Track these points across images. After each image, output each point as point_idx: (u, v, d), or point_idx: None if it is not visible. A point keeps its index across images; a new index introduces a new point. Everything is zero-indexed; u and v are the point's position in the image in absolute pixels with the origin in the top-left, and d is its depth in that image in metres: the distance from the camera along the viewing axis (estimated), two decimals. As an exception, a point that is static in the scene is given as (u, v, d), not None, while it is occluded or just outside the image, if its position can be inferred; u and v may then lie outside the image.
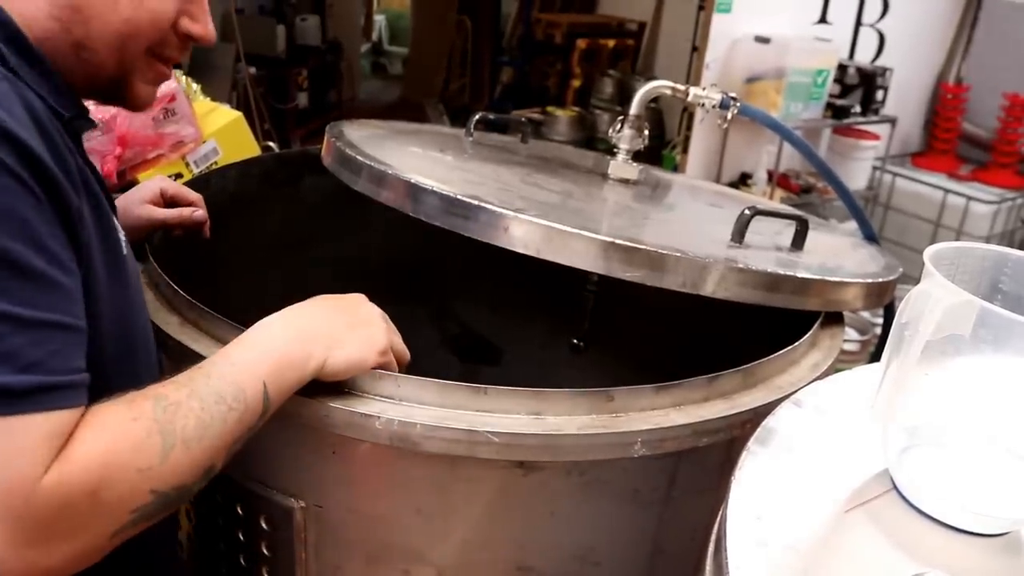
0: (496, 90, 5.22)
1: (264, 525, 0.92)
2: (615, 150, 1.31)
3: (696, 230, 1.21)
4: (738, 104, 1.25)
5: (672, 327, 1.47)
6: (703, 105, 1.26)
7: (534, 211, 0.94)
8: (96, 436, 0.62)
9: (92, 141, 1.57)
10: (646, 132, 1.30)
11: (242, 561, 0.97)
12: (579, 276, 1.04)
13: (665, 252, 0.90)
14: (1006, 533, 0.65)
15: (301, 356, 0.77)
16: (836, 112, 3.27)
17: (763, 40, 3.05)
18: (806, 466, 0.71)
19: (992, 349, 0.59)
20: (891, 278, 1.10)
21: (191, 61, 3.76)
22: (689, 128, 3.22)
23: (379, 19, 8.08)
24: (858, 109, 3.31)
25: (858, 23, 3.48)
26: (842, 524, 0.65)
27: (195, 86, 1.86)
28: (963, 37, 3.79)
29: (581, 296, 1.34)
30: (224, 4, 4.11)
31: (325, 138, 1.20)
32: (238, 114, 1.82)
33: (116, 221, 0.79)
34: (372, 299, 0.87)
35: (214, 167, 1.67)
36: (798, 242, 1.11)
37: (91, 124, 0.80)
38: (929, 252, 0.65)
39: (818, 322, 1.03)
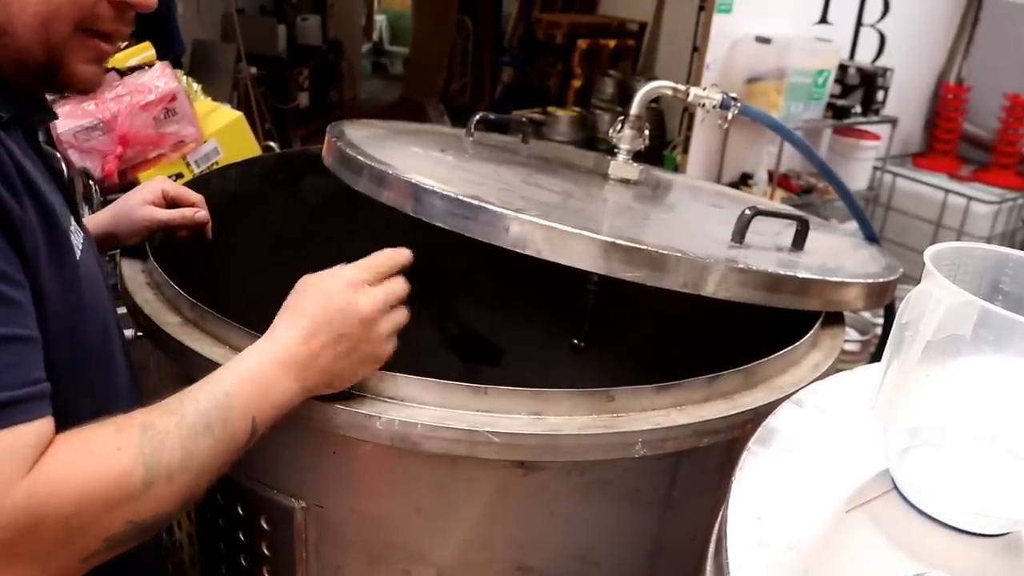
0: (497, 90, 5.22)
1: (265, 525, 0.92)
2: (616, 150, 1.31)
3: (697, 230, 1.21)
4: (739, 104, 1.25)
5: (672, 327, 1.47)
6: (704, 105, 1.26)
7: (535, 211, 0.94)
8: (77, 462, 0.60)
9: (93, 141, 1.57)
10: (647, 132, 1.30)
11: (243, 561, 0.97)
12: (579, 276, 1.04)
13: (666, 252, 0.90)
14: (1006, 533, 0.65)
15: (296, 391, 0.75)
16: (837, 112, 3.27)
17: (764, 40, 3.05)
18: (807, 466, 0.71)
19: (993, 350, 0.59)
20: (892, 278, 1.09)
21: (192, 61, 3.77)
22: (690, 128, 3.22)
23: (380, 19, 8.09)
24: (859, 109, 3.31)
25: (859, 23, 3.47)
26: (843, 524, 0.65)
27: (196, 86, 1.86)
28: (964, 37, 3.79)
29: (581, 296, 1.34)
30: (225, 4, 4.12)
31: (326, 138, 1.20)
32: (239, 114, 1.83)
33: (72, 221, 0.76)
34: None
35: (215, 167, 1.68)
36: (799, 242, 1.11)
37: (45, 116, 0.76)
38: (930, 252, 0.65)
39: (819, 322, 1.03)
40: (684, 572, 0.95)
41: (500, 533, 0.89)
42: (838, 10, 3.33)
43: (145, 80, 1.63)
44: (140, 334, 1.00)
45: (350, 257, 0.82)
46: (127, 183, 1.60)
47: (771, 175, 3.19)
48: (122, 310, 0.95)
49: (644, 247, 0.90)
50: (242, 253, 1.35)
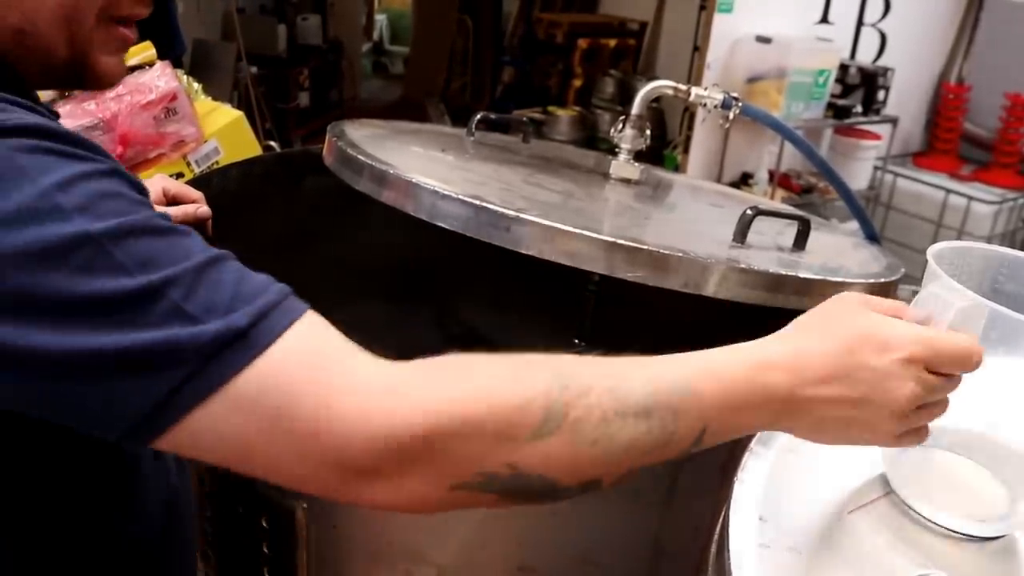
0: (497, 90, 5.21)
1: (265, 525, 0.92)
2: (616, 150, 1.31)
3: (698, 230, 1.21)
4: (740, 104, 1.25)
5: (673, 327, 1.47)
6: (704, 105, 1.26)
7: (536, 211, 0.94)
8: (456, 381, 0.53)
9: (93, 140, 1.57)
10: (648, 132, 1.30)
11: (243, 561, 0.97)
12: (580, 276, 1.04)
13: (667, 252, 0.90)
14: (1003, 536, 0.65)
15: (765, 423, 0.60)
16: (837, 112, 3.27)
17: (764, 40, 3.05)
18: (808, 467, 0.70)
19: (1002, 351, 0.58)
20: (893, 278, 1.09)
21: (192, 60, 3.77)
22: (690, 128, 3.22)
23: (380, 18, 8.08)
24: (859, 109, 3.31)
25: (859, 23, 3.47)
26: (844, 526, 0.65)
27: (196, 85, 1.86)
28: (965, 37, 3.79)
29: (582, 296, 1.34)
30: (225, 3, 4.12)
31: (326, 137, 1.20)
32: (239, 113, 1.82)
33: None
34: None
35: (215, 167, 1.68)
36: (800, 242, 1.11)
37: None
38: (932, 252, 0.65)
39: (820, 322, 1.02)
40: (685, 573, 0.95)
41: (500, 533, 0.89)
42: (839, 10, 3.33)
43: (145, 79, 1.63)
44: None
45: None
46: (127, 182, 1.60)
47: (772, 175, 3.19)
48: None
49: (645, 247, 0.90)
50: (242, 253, 1.35)
